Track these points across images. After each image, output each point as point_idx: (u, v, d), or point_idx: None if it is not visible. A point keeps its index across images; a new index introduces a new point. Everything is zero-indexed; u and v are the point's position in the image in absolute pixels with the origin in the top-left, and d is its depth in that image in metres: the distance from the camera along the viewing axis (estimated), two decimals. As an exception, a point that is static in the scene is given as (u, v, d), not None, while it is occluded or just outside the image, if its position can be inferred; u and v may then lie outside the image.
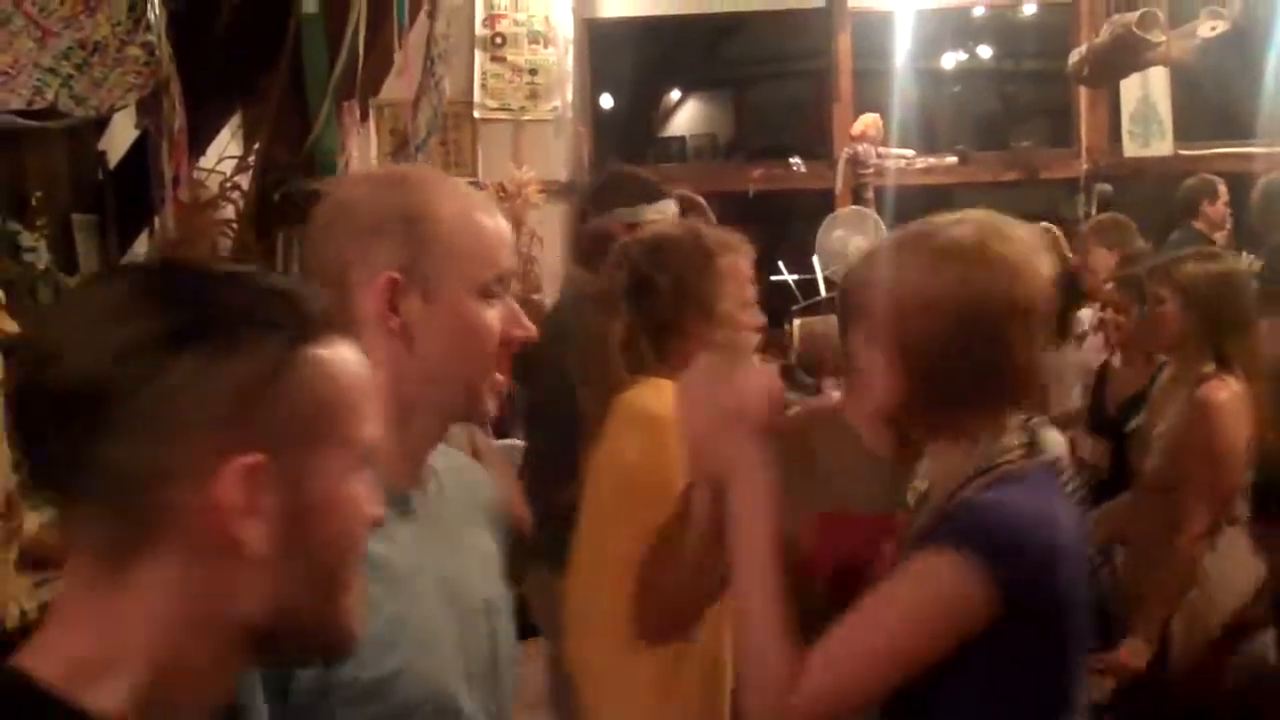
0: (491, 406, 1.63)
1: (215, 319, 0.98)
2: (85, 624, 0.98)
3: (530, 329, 1.67)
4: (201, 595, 0.99)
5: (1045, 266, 1.85)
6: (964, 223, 1.83)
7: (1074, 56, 7.35)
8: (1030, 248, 1.85)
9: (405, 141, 6.63)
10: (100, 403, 0.95)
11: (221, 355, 0.97)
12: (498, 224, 1.63)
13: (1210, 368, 3.59)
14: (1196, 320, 3.61)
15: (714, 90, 13.92)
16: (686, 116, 14.14)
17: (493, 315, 1.58)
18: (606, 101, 9.46)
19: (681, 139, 13.64)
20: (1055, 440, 1.97)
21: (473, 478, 1.81)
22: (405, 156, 6.59)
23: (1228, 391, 3.53)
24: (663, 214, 3.60)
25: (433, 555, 1.58)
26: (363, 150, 8.44)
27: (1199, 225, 6.72)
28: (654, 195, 3.69)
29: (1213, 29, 6.86)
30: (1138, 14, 6.72)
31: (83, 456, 0.96)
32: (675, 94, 13.90)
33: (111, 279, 1.04)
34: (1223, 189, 6.77)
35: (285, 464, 0.99)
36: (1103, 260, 5.54)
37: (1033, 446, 1.80)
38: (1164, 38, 6.77)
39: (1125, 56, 7.03)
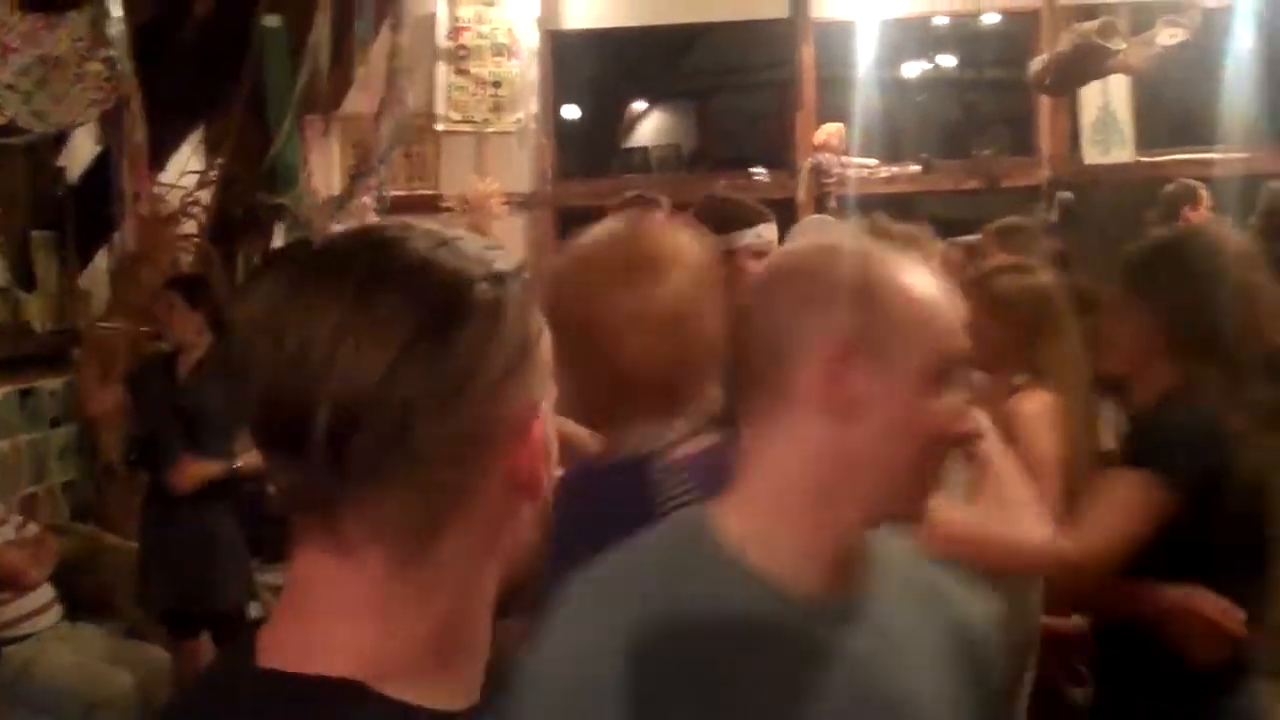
0: (925, 506, 1.48)
1: (457, 290, 1.01)
2: (385, 614, 1.01)
3: (975, 425, 1.55)
4: (496, 544, 1.06)
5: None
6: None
7: (1035, 65, 7.40)
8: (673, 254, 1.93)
9: (368, 154, 6.62)
10: (397, 407, 0.98)
11: (485, 320, 1.01)
12: (955, 303, 1.48)
13: (1022, 380, 3.56)
14: (1008, 333, 3.56)
15: (677, 101, 13.94)
16: (650, 127, 14.15)
17: (944, 404, 1.43)
18: (570, 113, 9.45)
19: (645, 149, 13.64)
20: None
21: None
22: (368, 170, 6.58)
23: (1037, 403, 3.50)
24: (760, 238, 3.40)
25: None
26: (325, 164, 8.43)
27: None
28: (752, 219, 3.48)
29: (1171, 37, 6.92)
30: (1098, 23, 6.78)
31: (387, 453, 0.98)
32: (639, 105, 13.91)
33: (339, 279, 1.01)
34: (1204, 194, 6.79)
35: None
36: None
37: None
38: (1124, 46, 6.83)
39: (1086, 65, 7.09)
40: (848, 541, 1.44)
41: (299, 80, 6.03)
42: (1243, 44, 8.19)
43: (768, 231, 3.48)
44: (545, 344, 1.08)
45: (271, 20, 6.20)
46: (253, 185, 6.15)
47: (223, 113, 6.51)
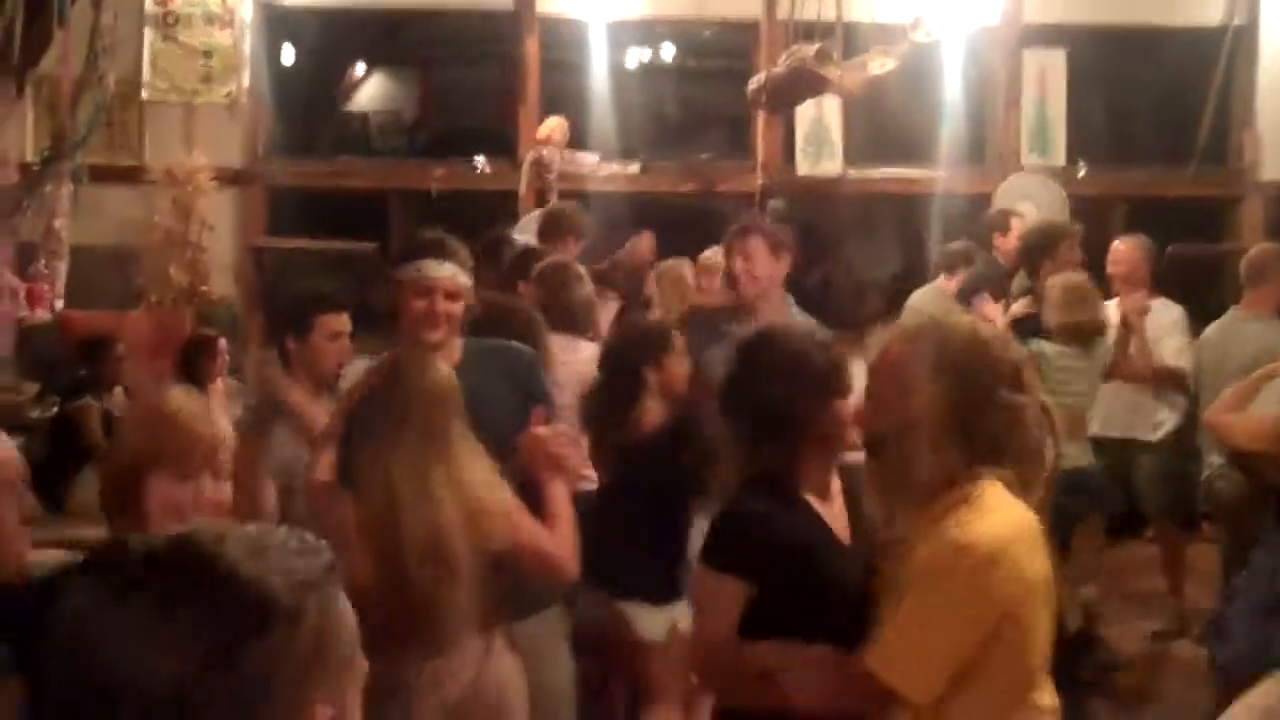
0: None
1: (257, 603, 1.07)
2: None
3: None
4: None
5: None
6: None
7: (753, 83, 7.55)
8: None
9: (63, 136, 6.22)
10: (190, 706, 1.04)
11: (282, 632, 1.08)
12: None
13: None
14: None
15: (399, 68, 13.63)
16: (370, 93, 13.80)
17: None
18: (286, 86, 9.12)
19: (364, 115, 13.29)
20: None
21: None
22: (61, 154, 6.18)
23: None
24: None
25: None
26: (17, 128, 7.89)
27: (996, 255, 7.08)
28: None
29: (881, 66, 7.16)
30: (814, 49, 6.94)
31: None
32: (359, 69, 13.52)
33: (145, 593, 1.07)
34: (1015, 224, 7.09)
35: (340, 702, 1.14)
36: None
37: None
38: (838, 73, 7.02)
39: (801, 87, 7.26)
40: None
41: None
42: (946, 74, 8.59)
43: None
44: (349, 639, 1.15)
45: (-43, -13, 5.72)
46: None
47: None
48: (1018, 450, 2.29)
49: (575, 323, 5.01)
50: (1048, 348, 5.47)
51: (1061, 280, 5.77)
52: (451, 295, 3.43)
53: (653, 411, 4.21)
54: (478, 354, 3.56)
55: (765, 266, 4.87)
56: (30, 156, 7.72)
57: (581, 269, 5.33)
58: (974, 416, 2.26)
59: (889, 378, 2.36)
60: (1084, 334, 5.63)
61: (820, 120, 8.85)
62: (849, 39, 7.31)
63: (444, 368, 3.18)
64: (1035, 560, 2.23)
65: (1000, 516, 2.22)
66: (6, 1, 6.29)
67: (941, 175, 8.88)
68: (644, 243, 7.74)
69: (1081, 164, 8.96)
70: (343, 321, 4.23)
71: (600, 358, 4.54)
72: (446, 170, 8.93)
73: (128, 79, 8.10)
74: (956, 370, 2.27)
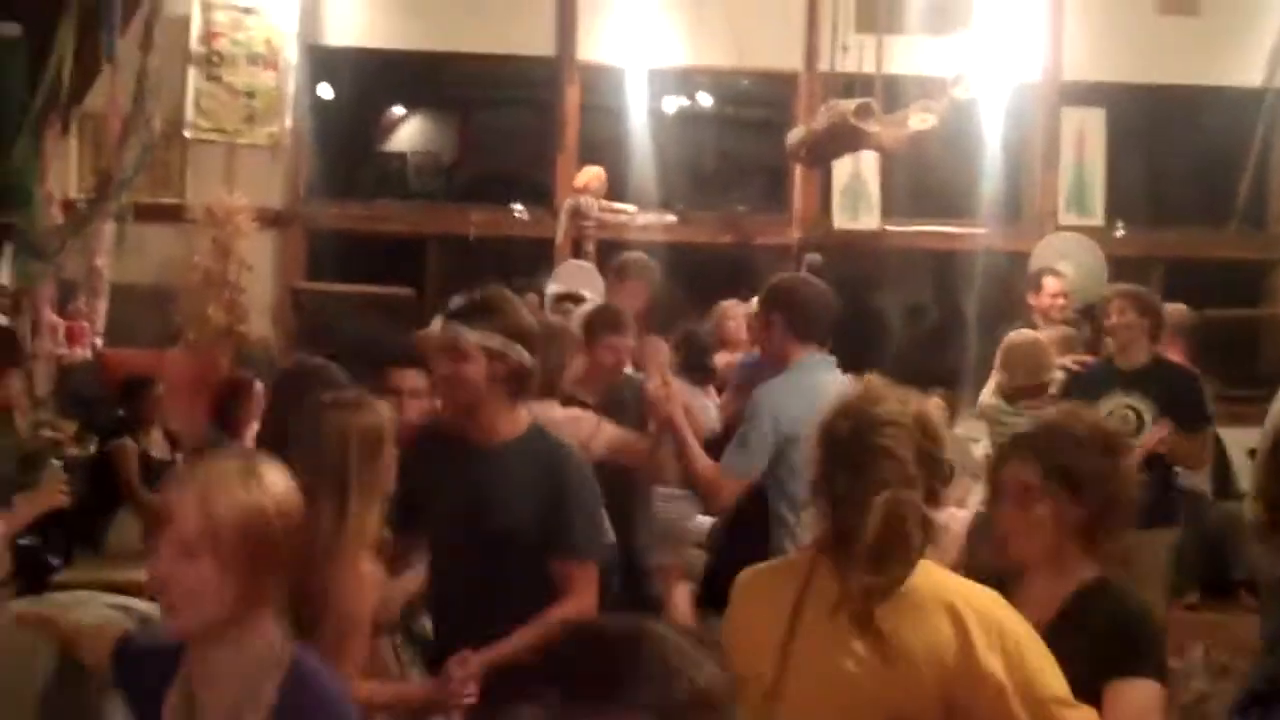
0: None
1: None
2: None
3: None
4: None
5: None
6: None
7: (792, 137, 7.56)
8: None
9: (109, 178, 6.27)
10: None
11: None
12: None
13: None
14: None
15: (438, 110, 13.72)
16: (409, 134, 13.89)
17: None
18: (327, 127, 9.18)
19: (403, 156, 13.38)
20: None
21: None
22: (107, 195, 6.23)
23: None
24: None
25: None
26: (61, 165, 7.94)
27: (1030, 314, 7.16)
28: None
29: (923, 122, 7.16)
30: (855, 104, 6.95)
31: None
32: (398, 110, 13.62)
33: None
34: (1046, 283, 7.20)
35: None
36: None
37: None
38: (878, 129, 7.02)
39: (841, 142, 7.28)
40: None
41: (39, 95, 5.66)
42: (985, 130, 8.59)
43: None
44: None
45: (9, 29, 5.79)
46: (-21, 202, 5.74)
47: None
48: None
49: None
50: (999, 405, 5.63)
51: (1007, 340, 5.85)
52: (465, 357, 3.32)
53: None
54: (535, 437, 3.47)
55: None
56: (74, 193, 7.78)
57: None
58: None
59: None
60: (1024, 395, 5.70)
61: (858, 174, 8.85)
62: (888, 92, 7.33)
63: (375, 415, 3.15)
64: None
65: None
66: (57, 38, 6.36)
67: (979, 232, 8.87)
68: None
69: (1119, 224, 8.94)
70: (414, 377, 4.04)
71: None
72: (484, 216, 8.96)
73: (171, 118, 8.16)
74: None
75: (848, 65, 7.35)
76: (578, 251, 8.63)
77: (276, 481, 2.19)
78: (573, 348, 4.99)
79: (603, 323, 5.19)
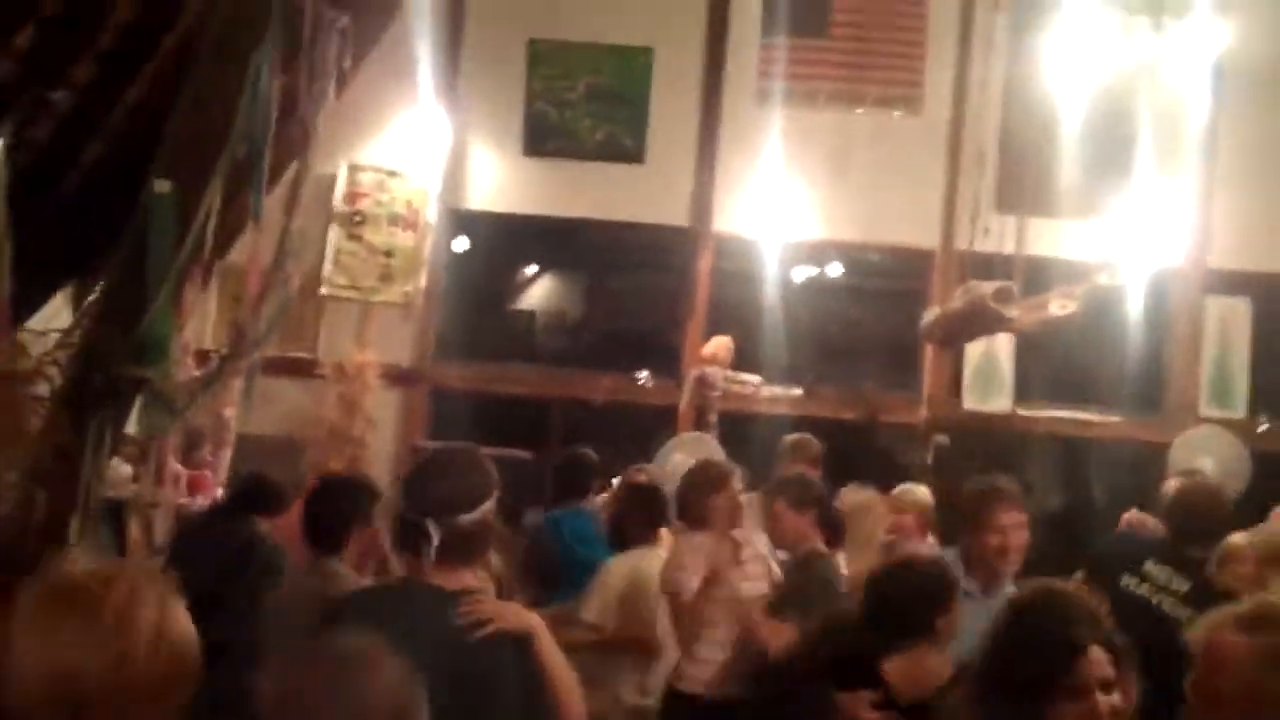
0: None
1: None
2: None
3: None
4: None
5: None
6: None
7: (928, 317, 7.44)
8: None
9: (244, 334, 6.32)
10: None
11: None
12: None
13: None
14: None
15: (570, 269, 13.87)
16: (538, 293, 14.05)
17: None
18: (459, 283, 9.29)
19: (531, 314, 13.52)
20: None
21: None
22: (240, 353, 6.27)
23: None
24: None
25: None
26: (199, 315, 8.09)
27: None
28: None
29: (1063, 308, 6.99)
30: (994, 287, 6.80)
31: None
32: (530, 269, 13.82)
33: None
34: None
35: None
36: None
37: None
38: (1017, 313, 6.87)
39: (977, 324, 7.13)
40: None
41: (183, 253, 5.74)
42: (1128, 316, 8.38)
43: None
44: None
45: (162, 185, 5.91)
46: (118, 353, 5.80)
47: (97, 272, 6.20)
48: None
49: None
50: None
51: None
52: None
53: None
54: None
55: None
56: (209, 343, 7.92)
57: None
58: None
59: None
60: None
61: (991, 354, 8.68)
62: (1029, 272, 7.20)
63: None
64: None
65: None
66: (206, 197, 6.49)
67: (1115, 420, 8.60)
68: None
69: (1263, 418, 8.61)
70: None
71: None
72: (611, 382, 8.93)
73: (309, 273, 8.31)
74: None
75: (987, 245, 7.24)
76: (701, 422, 8.51)
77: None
78: None
79: None
